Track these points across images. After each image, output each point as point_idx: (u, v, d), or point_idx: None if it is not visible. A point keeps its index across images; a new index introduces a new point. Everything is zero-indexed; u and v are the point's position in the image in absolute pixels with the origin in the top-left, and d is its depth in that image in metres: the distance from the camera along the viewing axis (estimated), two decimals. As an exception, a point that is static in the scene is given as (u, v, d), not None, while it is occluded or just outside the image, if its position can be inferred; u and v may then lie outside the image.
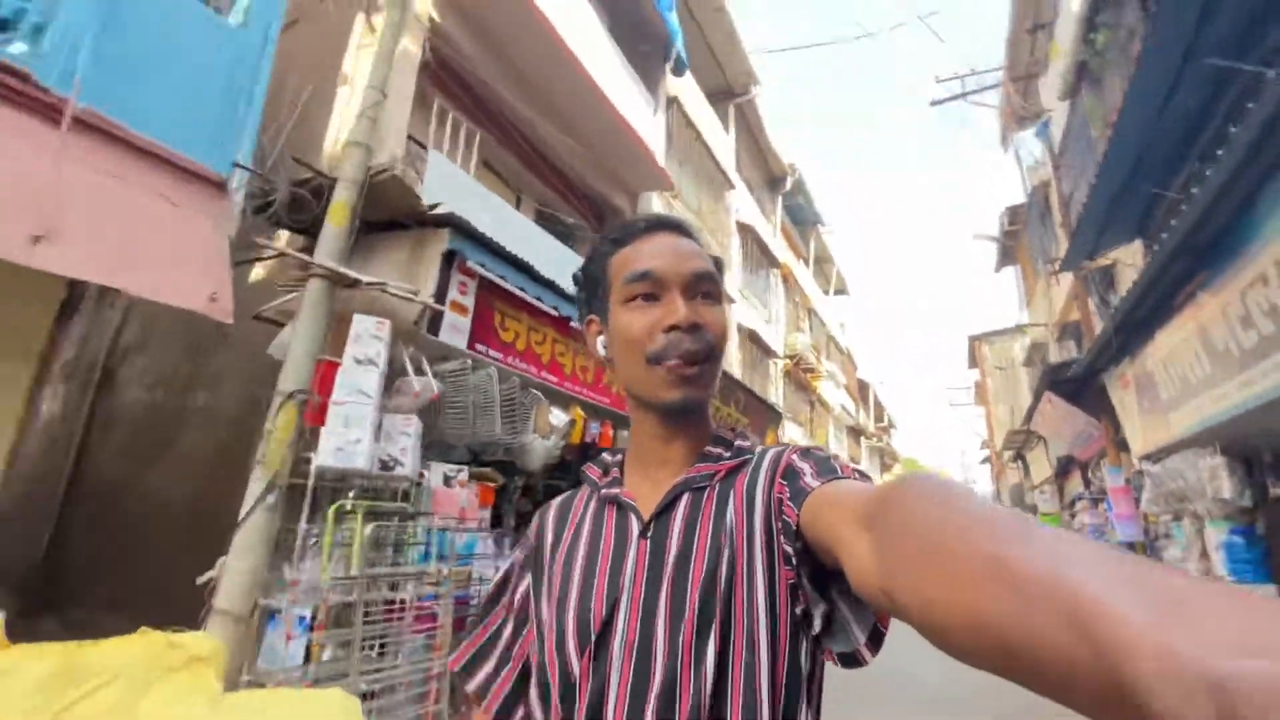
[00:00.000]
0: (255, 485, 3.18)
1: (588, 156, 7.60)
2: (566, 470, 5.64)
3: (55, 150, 2.98)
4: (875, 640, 0.57)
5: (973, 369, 25.24)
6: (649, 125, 8.47)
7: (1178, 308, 5.00)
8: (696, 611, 0.61)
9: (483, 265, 4.51)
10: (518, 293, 4.82)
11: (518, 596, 0.77)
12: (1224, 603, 0.23)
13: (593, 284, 0.78)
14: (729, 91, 13.73)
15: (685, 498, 0.70)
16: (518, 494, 5.41)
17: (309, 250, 3.74)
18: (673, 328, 0.68)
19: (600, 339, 0.77)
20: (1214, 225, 4.08)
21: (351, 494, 3.46)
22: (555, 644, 0.67)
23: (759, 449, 0.74)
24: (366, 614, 3.20)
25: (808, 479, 0.60)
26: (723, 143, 12.83)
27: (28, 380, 3.37)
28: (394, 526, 3.60)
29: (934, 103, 11.31)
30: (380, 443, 3.50)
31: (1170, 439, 5.70)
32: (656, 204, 9.39)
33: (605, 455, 0.83)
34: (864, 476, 0.61)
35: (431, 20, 4.94)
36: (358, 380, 3.41)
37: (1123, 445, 7.51)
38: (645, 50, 9.04)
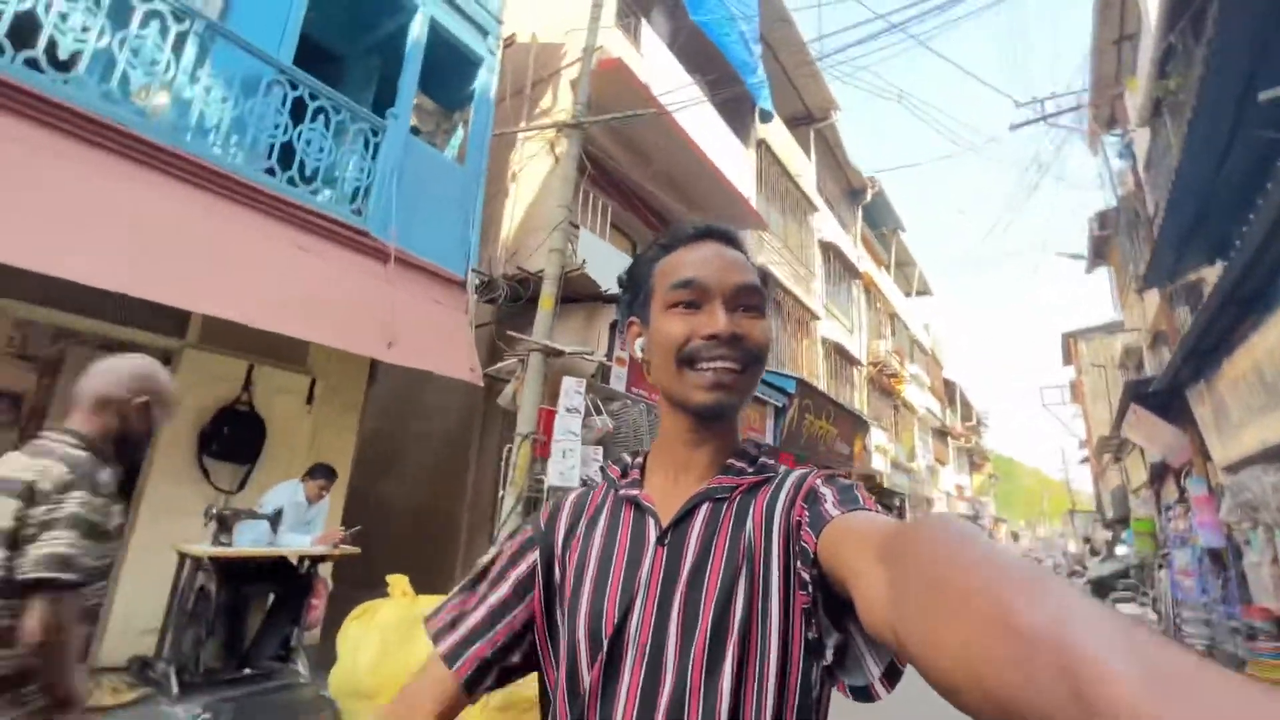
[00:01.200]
0: (509, 499, 4.69)
1: (694, 210, 8.91)
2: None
3: (387, 280, 4.60)
4: (891, 676, 0.55)
5: (1068, 366, 24.55)
6: (743, 174, 9.65)
7: (1237, 341, 5.68)
8: (710, 626, 0.60)
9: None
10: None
11: (517, 572, 0.74)
12: (1222, 685, 0.22)
13: (636, 287, 0.77)
14: (809, 117, 14.58)
15: (704, 508, 0.69)
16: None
17: (516, 324, 5.27)
18: (711, 337, 0.67)
19: (639, 341, 0.76)
20: (1255, 279, 4.83)
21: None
22: (566, 642, 0.66)
23: (783, 469, 0.73)
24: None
25: (828, 506, 0.60)
26: (805, 168, 13.76)
27: (354, 419, 5.08)
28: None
29: (1013, 127, 11.72)
30: (583, 466, 4.95)
31: (1242, 454, 6.31)
32: (750, 239, 10.55)
33: (625, 456, 0.81)
34: (886, 509, 0.61)
35: (591, 138, 6.37)
36: (568, 424, 4.87)
37: (1207, 456, 7.97)
38: (735, 104, 10.22)
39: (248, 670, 3.59)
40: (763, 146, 11.49)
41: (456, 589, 0.76)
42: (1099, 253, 16.28)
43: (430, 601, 3.66)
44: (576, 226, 6.59)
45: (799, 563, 0.60)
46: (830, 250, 15.00)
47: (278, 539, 3.73)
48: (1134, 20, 10.72)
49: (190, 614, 3.46)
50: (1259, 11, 3.92)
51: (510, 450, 5.00)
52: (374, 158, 4.86)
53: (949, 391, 27.85)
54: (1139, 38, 10.42)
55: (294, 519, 3.85)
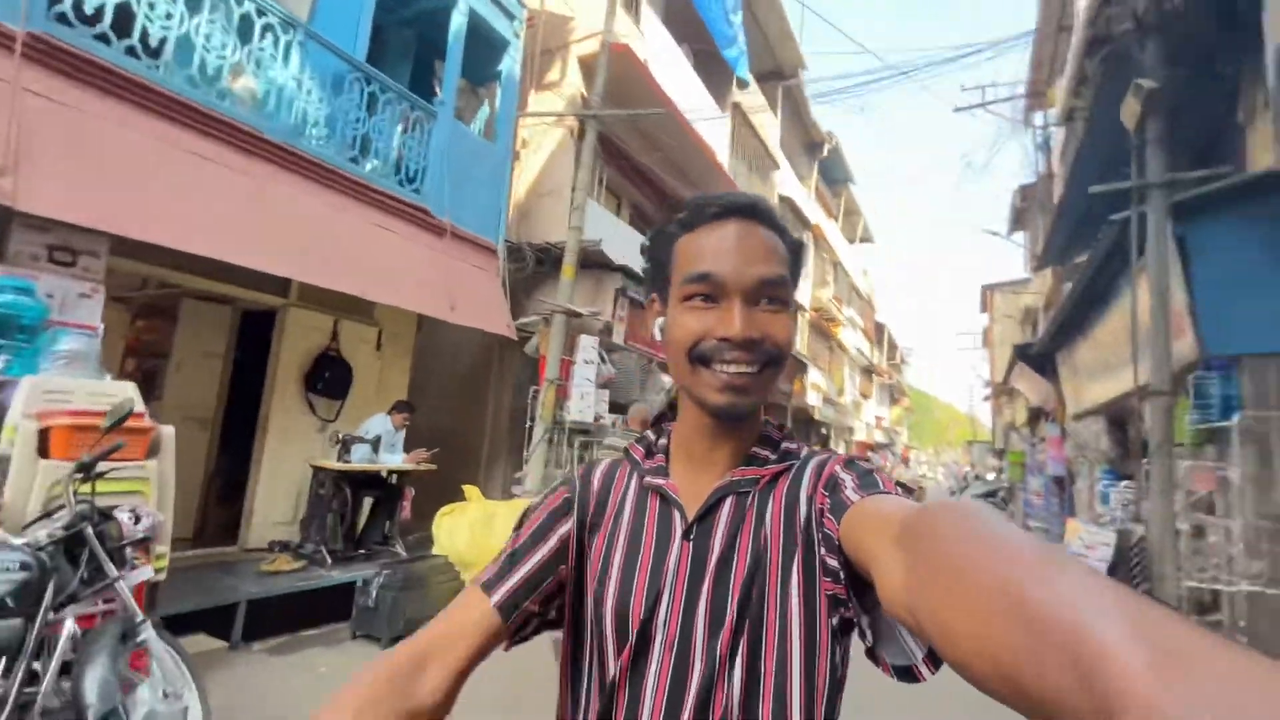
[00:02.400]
0: (538, 430, 6.02)
1: (679, 173, 9.93)
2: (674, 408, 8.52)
3: (444, 251, 5.62)
4: (935, 659, 0.54)
5: (984, 314, 27.31)
6: (719, 138, 10.64)
7: (1089, 324, 7.52)
8: (734, 619, 0.61)
9: (629, 290, 7.14)
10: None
11: (558, 534, 0.73)
12: (1234, 666, 0.22)
13: (657, 266, 0.73)
14: (779, 73, 15.38)
15: (729, 501, 0.68)
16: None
17: (532, 283, 6.40)
18: (725, 339, 0.64)
19: (659, 321, 0.72)
20: (1099, 284, 6.53)
21: (576, 431, 6.32)
22: (593, 628, 0.68)
23: (804, 453, 0.72)
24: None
25: (849, 492, 0.59)
26: (770, 125, 14.73)
27: (409, 361, 6.19)
28: (593, 444, 6.50)
29: (957, 109, 13.03)
30: (594, 405, 6.31)
31: (1083, 408, 8.36)
32: (720, 199, 11.72)
33: (649, 434, 0.79)
34: (906, 491, 0.60)
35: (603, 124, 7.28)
36: (585, 373, 6.18)
37: (1063, 406, 10.17)
38: (716, 66, 11.02)
39: (362, 551, 4.91)
40: (737, 109, 12.36)
41: (510, 543, 0.74)
42: (1018, 221, 18.32)
43: (491, 503, 5.02)
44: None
45: (823, 549, 0.60)
46: (787, 204, 16.25)
47: (379, 457, 4.94)
48: (1071, 15, 12.02)
49: (322, 509, 4.69)
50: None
51: (535, 391, 6.29)
52: (428, 142, 5.71)
53: (879, 333, 30.52)
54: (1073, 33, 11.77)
55: (387, 442, 5.05)
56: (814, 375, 17.59)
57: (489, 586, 0.69)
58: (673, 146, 9.44)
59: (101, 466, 2.44)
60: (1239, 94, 4.79)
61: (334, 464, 4.63)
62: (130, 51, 3.71)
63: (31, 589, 1.98)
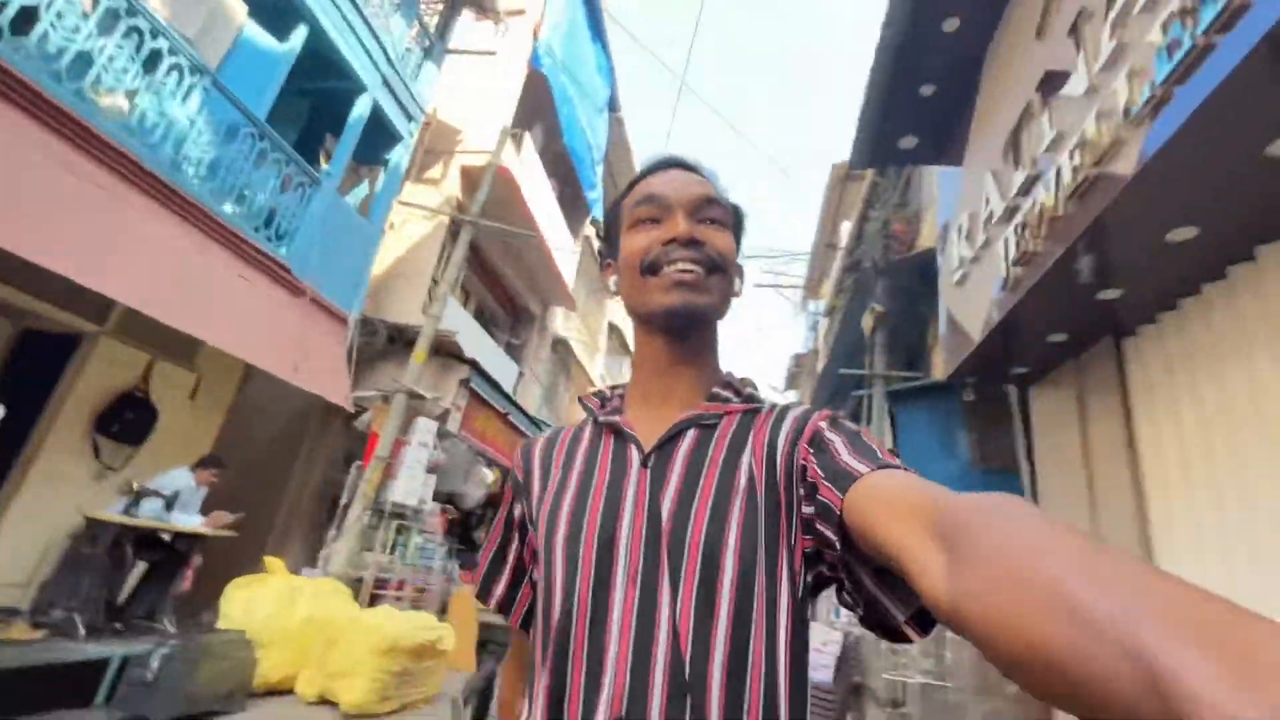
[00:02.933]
0: (356, 507, 5.86)
1: (528, 284, 10.77)
2: (493, 505, 8.62)
3: (296, 311, 5.59)
4: (922, 621, 0.53)
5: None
6: (569, 263, 11.85)
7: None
8: (701, 554, 0.58)
9: (472, 382, 7.51)
10: (487, 399, 7.85)
11: (514, 517, 0.75)
12: None
13: (609, 230, 0.76)
14: (623, 219, 17.65)
15: (691, 433, 0.66)
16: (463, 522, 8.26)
17: (371, 357, 6.50)
18: (671, 240, 0.66)
19: (613, 279, 0.74)
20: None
21: (394, 514, 6.23)
22: (544, 562, 0.64)
23: (772, 402, 0.70)
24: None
25: (845, 458, 0.56)
26: (611, 260, 16.63)
27: (222, 416, 5.70)
28: (410, 529, 6.41)
29: (757, 285, 16.30)
30: (420, 488, 6.34)
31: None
32: (559, 315, 12.75)
33: (604, 388, 0.78)
34: (896, 455, 0.58)
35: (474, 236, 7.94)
36: (418, 455, 6.26)
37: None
38: (573, 203, 12.51)
39: (117, 625, 4.21)
40: (586, 241, 13.92)
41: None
42: (792, 381, 22.24)
43: (296, 579, 4.80)
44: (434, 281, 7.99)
45: (810, 509, 0.57)
46: (615, 330, 17.98)
47: (172, 516, 4.44)
48: (838, 238, 15.99)
49: (81, 570, 4.03)
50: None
51: (358, 466, 6.16)
52: (306, 206, 5.83)
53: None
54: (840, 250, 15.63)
55: (185, 500, 4.57)
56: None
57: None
58: (530, 262, 10.35)
59: None
60: (928, 323, 7.10)
61: (117, 517, 4.10)
62: (19, 51, 3.57)
63: None
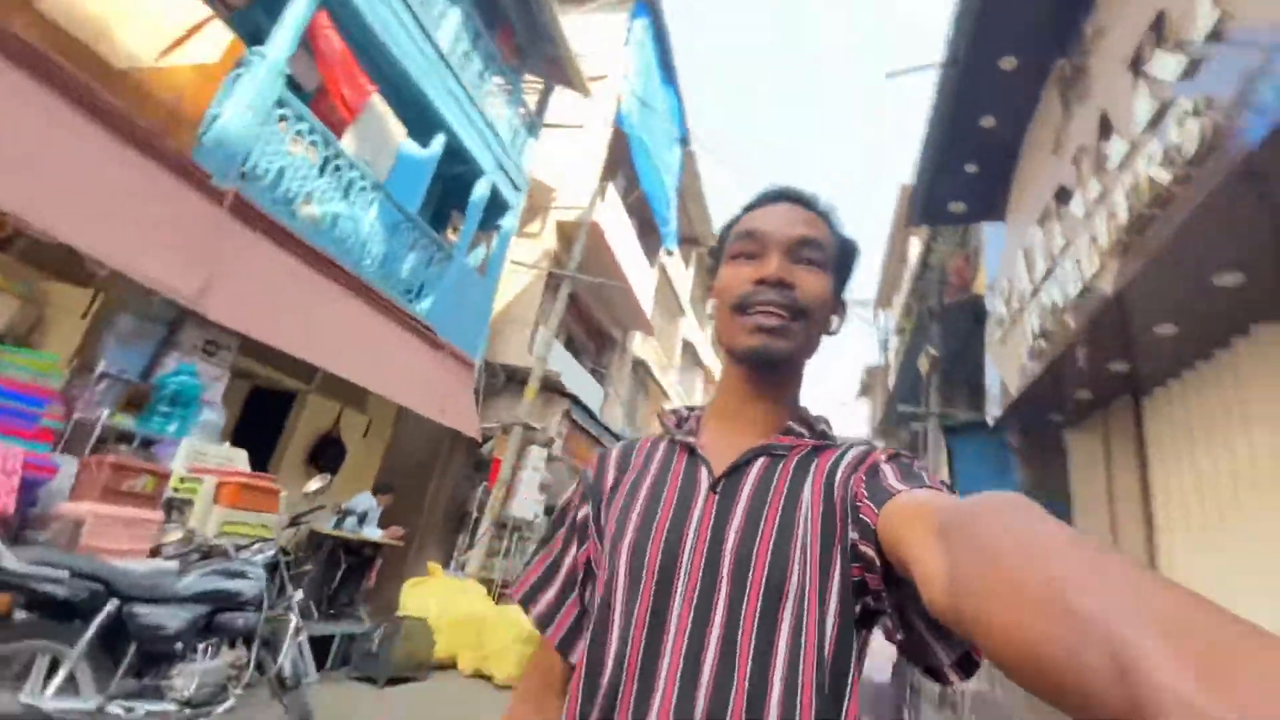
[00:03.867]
0: (485, 521, 7.19)
1: (611, 316, 11.98)
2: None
3: (438, 364, 6.97)
4: (965, 665, 0.54)
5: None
6: (648, 292, 12.98)
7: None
8: (763, 582, 0.59)
9: (572, 413, 8.75)
10: (584, 425, 9.08)
11: (577, 520, 0.76)
12: (1275, 663, 0.22)
13: (717, 255, 0.77)
14: (694, 240, 18.61)
15: (760, 461, 0.67)
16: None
17: (491, 393, 7.82)
18: (760, 281, 0.67)
19: (713, 302, 0.75)
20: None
21: (514, 527, 7.53)
22: (606, 575, 0.66)
23: (844, 439, 0.71)
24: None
25: (890, 480, 0.58)
26: (683, 279, 17.65)
27: (384, 449, 7.19)
28: (528, 540, 7.71)
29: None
30: (535, 505, 7.62)
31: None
32: (637, 338, 13.95)
33: (682, 407, 0.80)
34: (949, 488, 0.58)
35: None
36: (532, 478, 7.54)
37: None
38: (651, 233, 13.63)
39: (331, 611, 5.68)
40: (662, 268, 15.03)
41: (533, 551, 0.79)
42: (865, 390, 22.44)
43: (452, 579, 6.11)
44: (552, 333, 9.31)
45: (856, 533, 0.59)
46: (689, 346, 18.99)
47: (363, 529, 5.88)
48: (907, 249, 16.29)
49: (315, 570, 5.51)
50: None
51: (485, 487, 7.51)
52: (442, 276, 7.22)
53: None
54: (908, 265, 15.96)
55: (371, 518, 6.02)
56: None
57: (526, 605, 0.77)
58: (614, 298, 11.56)
59: (248, 516, 3.56)
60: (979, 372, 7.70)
61: (332, 530, 5.55)
62: (278, 204, 5.04)
63: (261, 594, 3.07)
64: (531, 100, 9.17)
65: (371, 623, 5.50)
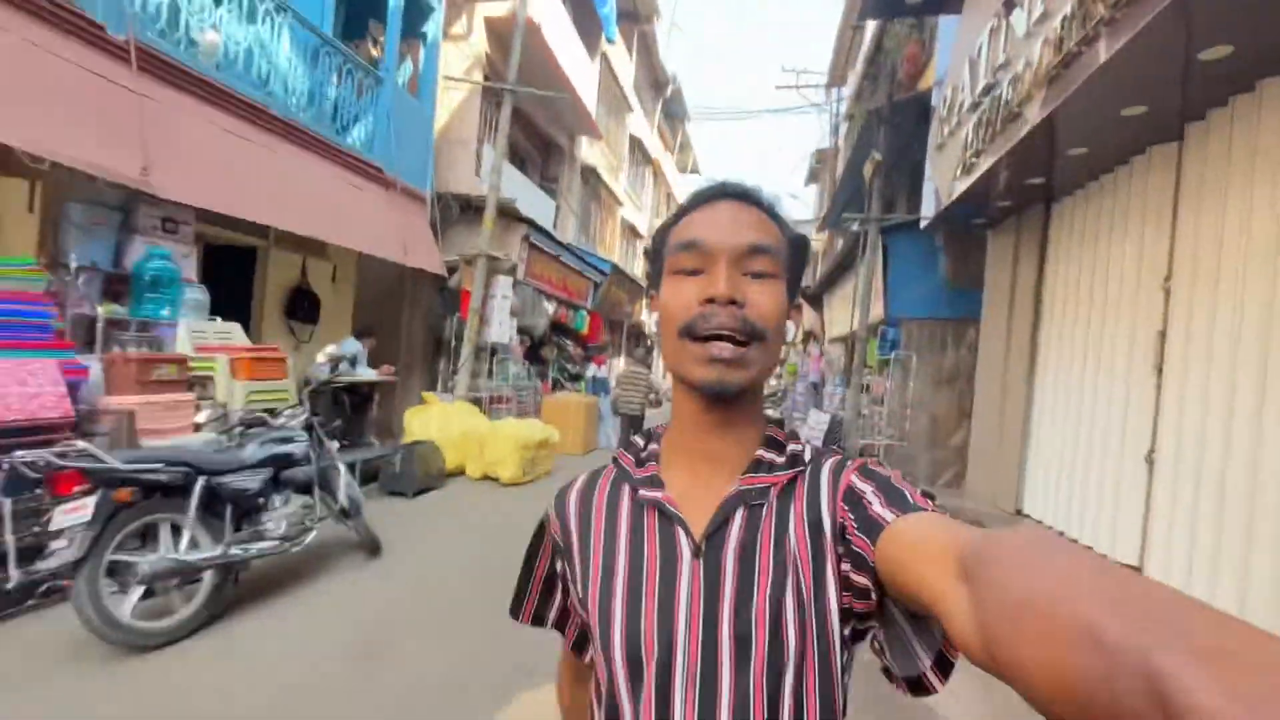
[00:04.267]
0: (466, 348, 7.77)
1: (556, 122, 11.33)
2: (557, 330, 10.60)
3: (390, 203, 6.88)
4: (942, 666, 0.55)
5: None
6: (590, 90, 12.12)
7: (840, 280, 11.01)
8: (766, 652, 0.58)
9: (531, 237, 8.88)
10: (543, 247, 9.28)
11: (556, 570, 0.73)
12: None
13: (655, 258, 0.71)
14: (634, 15, 16.73)
15: (740, 514, 0.63)
16: (532, 344, 10.32)
17: (448, 225, 7.89)
18: (709, 301, 0.61)
19: (656, 315, 0.69)
20: (845, 263, 9.85)
21: (492, 351, 8.19)
22: (603, 667, 0.63)
23: (808, 453, 0.68)
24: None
25: (877, 508, 0.56)
26: (626, 69, 16.25)
27: (353, 291, 7.38)
28: (506, 362, 8.45)
29: (778, 87, 15.90)
30: (508, 329, 8.19)
31: (831, 336, 12.16)
32: (584, 143, 13.30)
33: (637, 439, 0.74)
34: (930, 498, 0.58)
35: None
36: (501, 305, 7.98)
37: (824, 334, 14.20)
38: (588, 21, 12.27)
39: (346, 441, 6.44)
40: (604, 59, 13.73)
41: (520, 575, 0.77)
42: (813, 176, 22.45)
43: (444, 405, 6.87)
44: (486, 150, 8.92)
45: (847, 564, 0.58)
46: (636, 143, 18.17)
47: (356, 370, 6.38)
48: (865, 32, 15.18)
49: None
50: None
51: (458, 319, 7.95)
52: (376, 106, 6.72)
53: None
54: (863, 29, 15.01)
55: (360, 359, 6.49)
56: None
57: (515, 611, 0.77)
58: (557, 103, 10.82)
59: (265, 385, 3.99)
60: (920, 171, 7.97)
61: (330, 376, 6.03)
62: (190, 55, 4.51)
63: (308, 450, 3.65)
64: None
65: (382, 447, 6.33)
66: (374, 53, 7.50)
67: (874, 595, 0.55)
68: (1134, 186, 4.06)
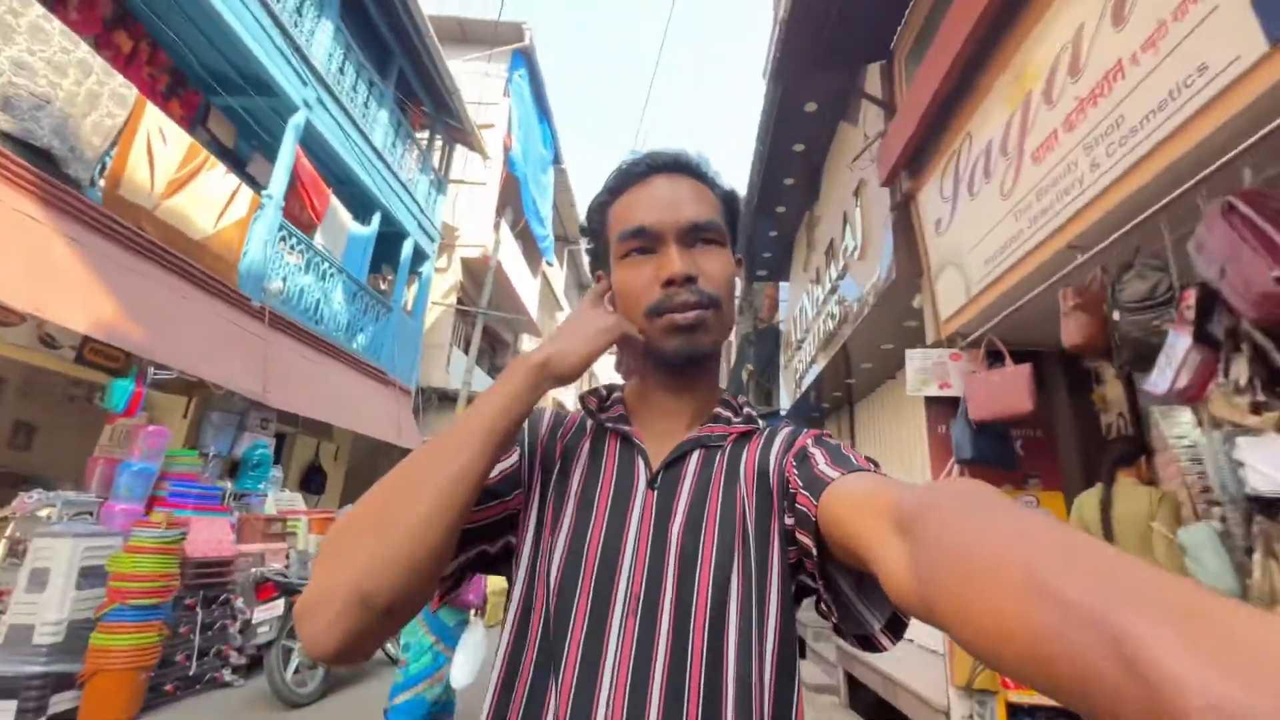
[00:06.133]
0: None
1: (506, 326, 14.04)
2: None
3: (390, 398, 8.88)
4: (894, 628, 0.56)
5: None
6: (533, 299, 15.14)
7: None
8: (711, 583, 0.58)
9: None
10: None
11: (505, 465, 0.66)
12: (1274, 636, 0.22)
13: (595, 237, 0.74)
14: (566, 239, 20.83)
15: (697, 454, 0.66)
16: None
17: (430, 416, 9.87)
18: (669, 282, 0.64)
19: (608, 295, 0.72)
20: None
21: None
22: (543, 575, 0.61)
23: (767, 423, 0.72)
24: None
25: (822, 466, 0.58)
26: (558, 278, 19.89)
27: (347, 467, 8.95)
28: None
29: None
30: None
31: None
32: (526, 341, 16.13)
33: (601, 388, 0.77)
34: (876, 465, 0.60)
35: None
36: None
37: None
38: (532, 248, 15.71)
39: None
40: (544, 276, 17.17)
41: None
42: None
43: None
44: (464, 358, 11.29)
45: (790, 520, 0.60)
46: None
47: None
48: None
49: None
50: None
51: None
52: (386, 327, 9.01)
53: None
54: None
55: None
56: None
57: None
58: (511, 314, 13.66)
59: None
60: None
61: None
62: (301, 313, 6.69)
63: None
64: (435, 158, 10.84)
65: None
66: (383, 285, 9.98)
67: (815, 554, 0.56)
68: (887, 401, 6.92)
